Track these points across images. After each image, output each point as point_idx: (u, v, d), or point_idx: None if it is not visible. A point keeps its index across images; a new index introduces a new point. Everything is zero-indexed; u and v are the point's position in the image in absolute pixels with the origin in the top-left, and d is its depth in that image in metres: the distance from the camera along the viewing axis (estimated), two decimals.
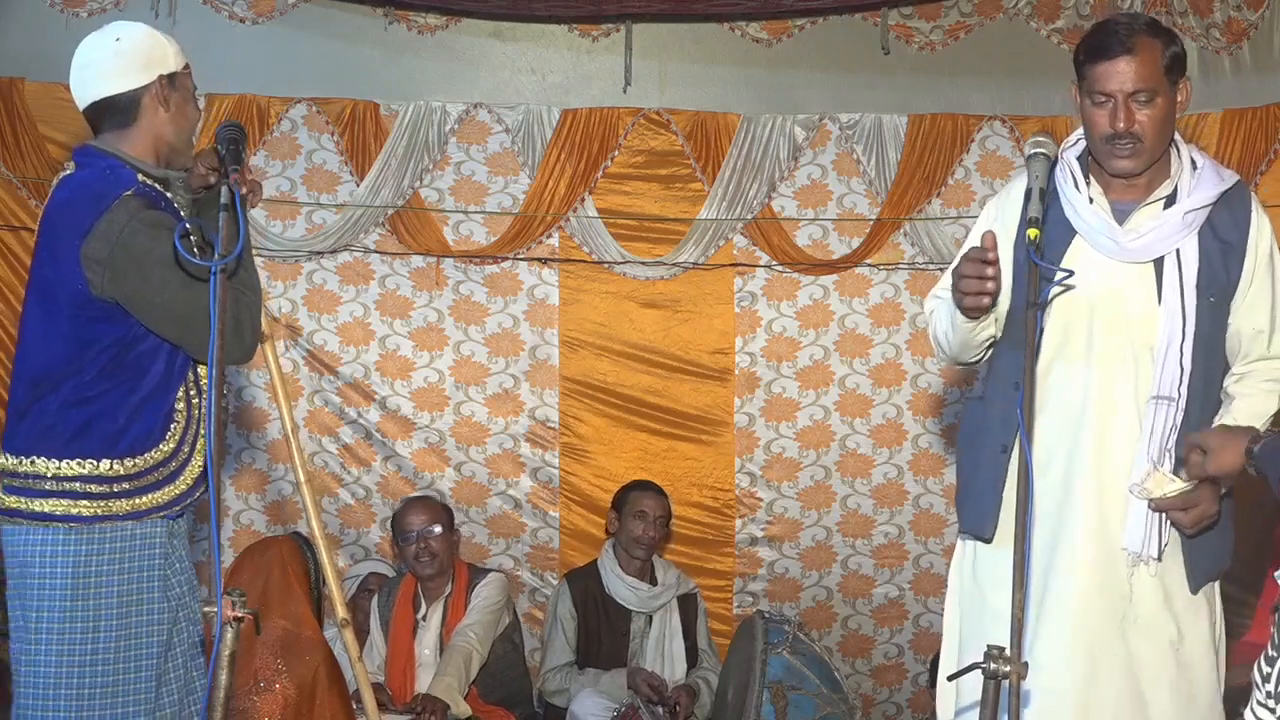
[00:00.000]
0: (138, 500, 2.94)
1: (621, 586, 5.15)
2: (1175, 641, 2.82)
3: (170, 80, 3.05)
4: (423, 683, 4.73)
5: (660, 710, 4.93)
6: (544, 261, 5.74)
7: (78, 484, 2.91)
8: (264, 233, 5.59)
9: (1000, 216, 2.98)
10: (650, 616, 5.19)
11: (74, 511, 2.90)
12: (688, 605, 5.26)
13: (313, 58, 5.69)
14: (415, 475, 5.70)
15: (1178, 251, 2.81)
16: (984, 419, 2.94)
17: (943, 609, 5.71)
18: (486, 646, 4.76)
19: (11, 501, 2.94)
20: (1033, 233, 2.60)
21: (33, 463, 2.92)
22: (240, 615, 2.62)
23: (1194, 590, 2.86)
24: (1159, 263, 2.83)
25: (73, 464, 2.91)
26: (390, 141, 5.60)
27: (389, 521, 5.17)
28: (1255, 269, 2.84)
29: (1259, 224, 2.86)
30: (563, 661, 5.11)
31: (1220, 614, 2.94)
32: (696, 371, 5.76)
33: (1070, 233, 2.85)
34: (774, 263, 5.71)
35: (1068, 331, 2.83)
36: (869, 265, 5.70)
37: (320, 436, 5.69)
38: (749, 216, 5.66)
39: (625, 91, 5.75)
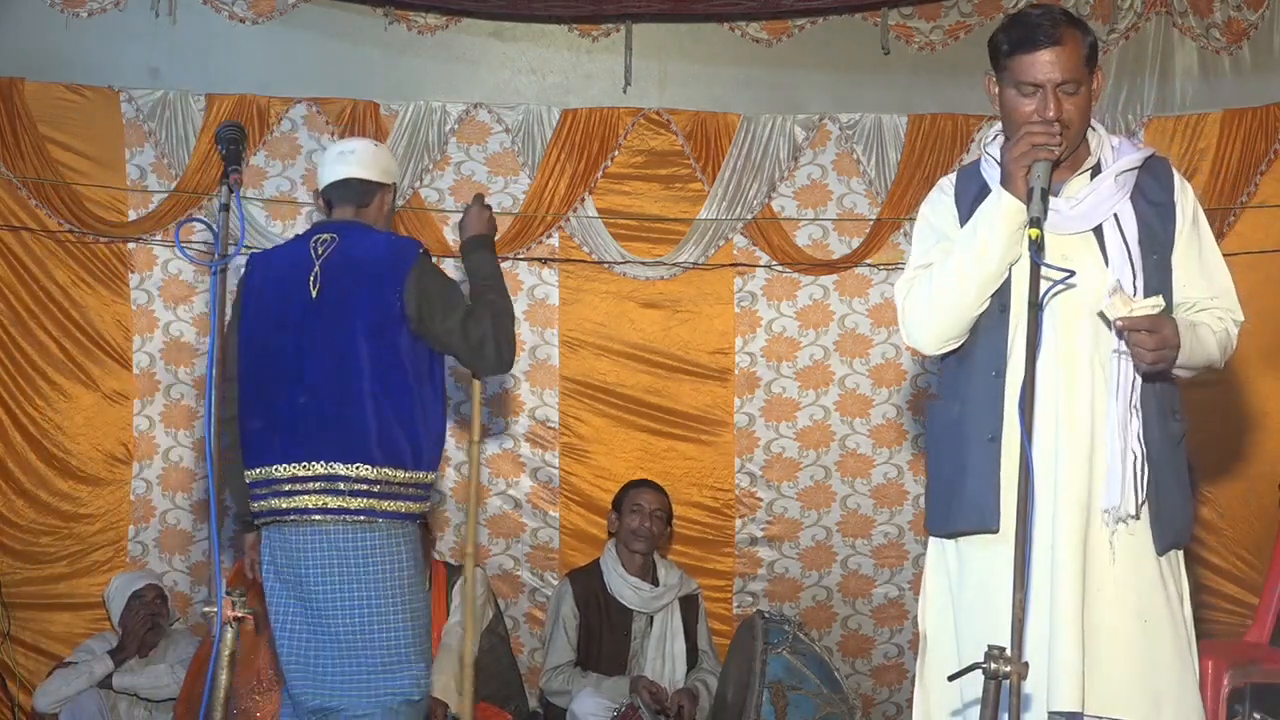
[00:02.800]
0: (425, 504, 3.64)
1: (624, 586, 5.15)
2: (1140, 608, 2.80)
3: (394, 191, 3.83)
4: None
5: (662, 718, 4.94)
6: (544, 261, 5.73)
7: (415, 489, 3.57)
8: (264, 233, 5.59)
9: (933, 215, 3.01)
10: (652, 617, 5.18)
11: (414, 510, 3.57)
12: (689, 606, 5.26)
13: (313, 58, 5.70)
14: None
15: (1115, 216, 2.86)
16: (962, 413, 2.91)
17: None
18: (476, 642, 4.76)
19: (359, 503, 3.49)
20: (1034, 232, 2.61)
21: (382, 471, 3.50)
22: (240, 615, 2.62)
23: (1160, 552, 2.83)
24: (1098, 231, 2.86)
25: (419, 474, 3.57)
26: (390, 141, 5.60)
27: None
28: (1182, 226, 2.90)
29: (1182, 187, 2.93)
30: (564, 661, 5.10)
31: (1187, 591, 2.90)
32: (696, 371, 5.76)
33: None
34: (774, 263, 5.71)
35: (1019, 307, 2.83)
36: (869, 265, 5.70)
37: None
38: (749, 216, 5.66)
39: (625, 91, 5.75)
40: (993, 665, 2.37)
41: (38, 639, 5.51)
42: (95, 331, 5.60)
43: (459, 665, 4.62)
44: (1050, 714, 2.76)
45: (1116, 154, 2.92)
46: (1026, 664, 2.40)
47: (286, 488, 3.54)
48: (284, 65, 5.67)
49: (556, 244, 5.72)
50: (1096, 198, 2.86)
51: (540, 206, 5.64)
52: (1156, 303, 2.73)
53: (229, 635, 2.61)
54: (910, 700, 5.87)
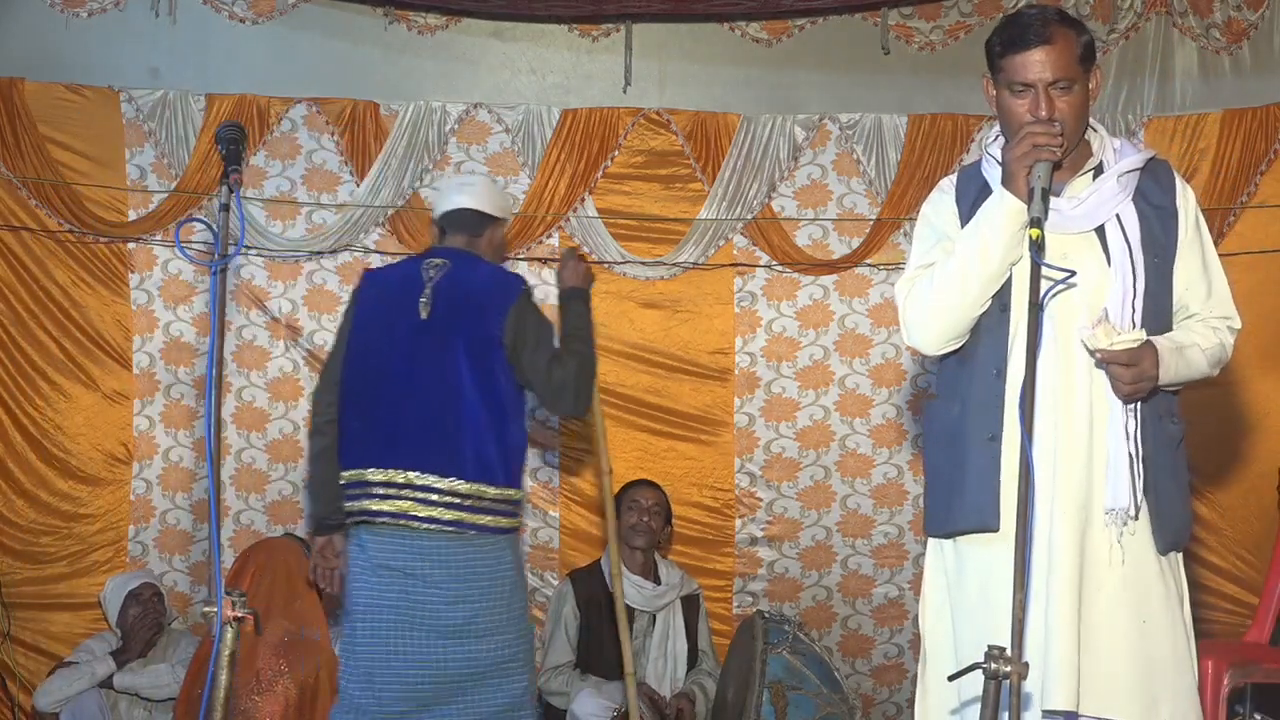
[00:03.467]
0: (517, 519, 3.90)
1: (626, 584, 5.14)
2: (1139, 609, 2.80)
3: (505, 226, 4.16)
4: None
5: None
6: (544, 261, 5.73)
7: (505, 505, 3.80)
8: (264, 233, 5.59)
9: (933, 215, 3.01)
10: (654, 616, 5.18)
11: (505, 525, 3.80)
12: (691, 606, 5.25)
13: (313, 58, 5.70)
14: None
15: (1118, 217, 2.86)
16: (962, 413, 2.91)
17: None
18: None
19: (451, 515, 3.72)
20: (1034, 232, 2.60)
21: (475, 486, 3.73)
22: (240, 615, 2.62)
23: (1163, 551, 2.83)
24: (1100, 231, 2.86)
25: (509, 490, 3.80)
26: (390, 141, 5.61)
27: None
28: (1185, 230, 2.90)
29: (1184, 191, 2.94)
30: (563, 661, 5.10)
31: (1186, 593, 2.90)
32: (696, 371, 5.76)
33: None
34: (774, 263, 5.71)
35: (1018, 307, 2.84)
36: (869, 265, 5.70)
37: None
38: (749, 216, 5.66)
39: (625, 91, 5.75)
40: (993, 665, 2.37)
41: (38, 639, 5.51)
42: (95, 331, 5.61)
43: None
44: (1044, 713, 2.76)
45: (1118, 155, 2.92)
46: (1027, 664, 2.40)
47: (379, 491, 3.76)
48: (284, 65, 5.68)
49: (556, 244, 5.72)
50: (1099, 198, 2.86)
51: (540, 206, 5.64)
52: (1138, 336, 2.73)
53: (229, 635, 2.61)
54: (910, 700, 5.90)
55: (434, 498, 3.71)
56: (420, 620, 3.72)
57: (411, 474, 3.72)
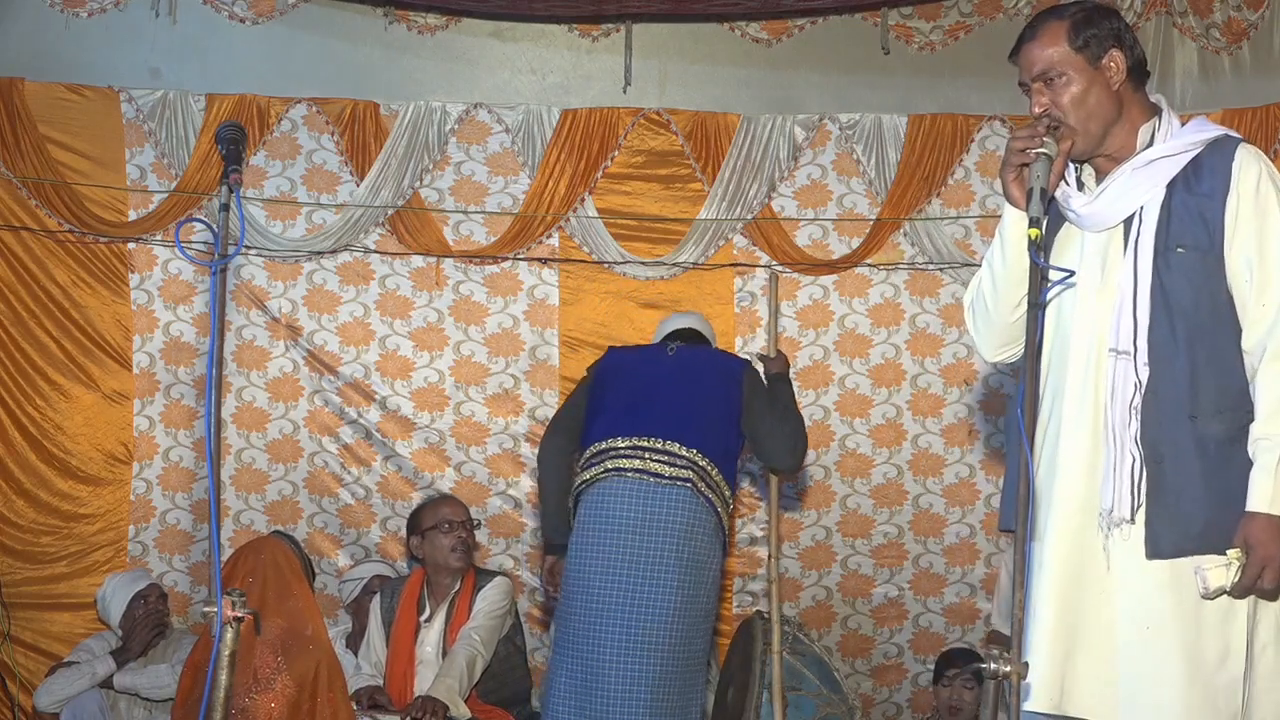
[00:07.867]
0: (727, 514, 4.30)
1: None
2: (1139, 615, 2.71)
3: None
4: (423, 682, 4.70)
5: None
6: (544, 261, 5.74)
7: (719, 493, 4.23)
8: (264, 233, 5.60)
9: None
10: None
11: (720, 511, 4.23)
12: None
13: (313, 58, 5.70)
14: (415, 475, 5.70)
15: (1142, 210, 2.76)
16: (1014, 412, 2.95)
17: (942, 609, 5.77)
18: (490, 650, 4.70)
19: (685, 473, 4.16)
20: (1033, 233, 2.58)
21: (705, 457, 4.20)
22: (240, 615, 2.62)
23: (1150, 556, 2.70)
24: (1129, 225, 2.79)
25: (724, 482, 4.25)
26: (390, 141, 5.61)
27: (411, 517, 4.93)
28: (1239, 210, 2.71)
29: (1244, 166, 2.72)
30: None
31: (1247, 606, 2.71)
32: None
33: (1060, 220, 2.85)
34: (774, 263, 5.71)
35: (1060, 309, 2.83)
36: (869, 265, 5.70)
37: (320, 436, 5.69)
38: (749, 216, 5.66)
39: (625, 91, 5.76)
40: (992, 665, 2.37)
41: (38, 639, 5.51)
42: (95, 331, 5.61)
43: (465, 669, 4.60)
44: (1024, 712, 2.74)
45: (1167, 139, 2.78)
46: (1026, 664, 2.40)
47: (625, 453, 4.21)
48: (284, 65, 5.68)
49: (556, 244, 5.72)
50: (1111, 194, 2.78)
51: (540, 206, 5.64)
52: (1231, 560, 2.63)
53: (229, 635, 2.61)
54: (910, 700, 5.91)
55: (667, 458, 4.16)
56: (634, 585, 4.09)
57: (656, 440, 4.19)
